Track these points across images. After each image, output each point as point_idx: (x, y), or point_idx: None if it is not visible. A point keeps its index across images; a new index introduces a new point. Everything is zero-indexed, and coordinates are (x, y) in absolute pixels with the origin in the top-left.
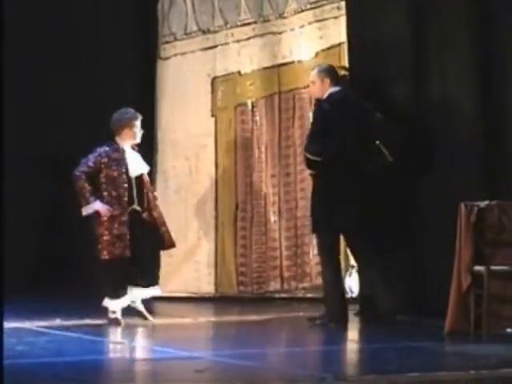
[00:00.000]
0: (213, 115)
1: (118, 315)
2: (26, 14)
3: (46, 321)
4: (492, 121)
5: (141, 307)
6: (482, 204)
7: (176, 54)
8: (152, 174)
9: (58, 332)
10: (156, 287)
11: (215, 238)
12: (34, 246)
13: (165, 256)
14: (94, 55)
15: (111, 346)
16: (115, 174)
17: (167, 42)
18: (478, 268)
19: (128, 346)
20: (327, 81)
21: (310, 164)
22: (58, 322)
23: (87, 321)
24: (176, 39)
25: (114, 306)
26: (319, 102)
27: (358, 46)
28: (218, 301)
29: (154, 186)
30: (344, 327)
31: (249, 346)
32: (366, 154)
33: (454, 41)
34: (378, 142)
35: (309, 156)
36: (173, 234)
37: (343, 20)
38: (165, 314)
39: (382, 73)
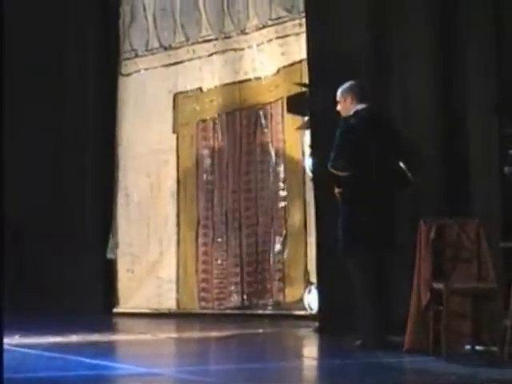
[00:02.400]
0: (174, 131)
1: None
2: None
3: (6, 337)
4: (453, 136)
5: None
6: (442, 221)
7: (137, 71)
8: (113, 189)
9: (17, 348)
10: None
11: (177, 253)
12: None
13: (126, 272)
14: (55, 71)
15: (70, 363)
16: None
17: (128, 59)
18: (437, 285)
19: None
20: (350, 99)
21: (335, 180)
22: (17, 338)
23: (46, 337)
24: (137, 55)
25: None
26: (344, 118)
27: (318, 62)
28: (180, 317)
29: (115, 201)
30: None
31: (209, 363)
32: (390, 173)
33: (415, 55)
34: (401, 163)
35: (333, 172)
36: (134, 250)
37: (305, 37)
38: (125, 330)
39: None
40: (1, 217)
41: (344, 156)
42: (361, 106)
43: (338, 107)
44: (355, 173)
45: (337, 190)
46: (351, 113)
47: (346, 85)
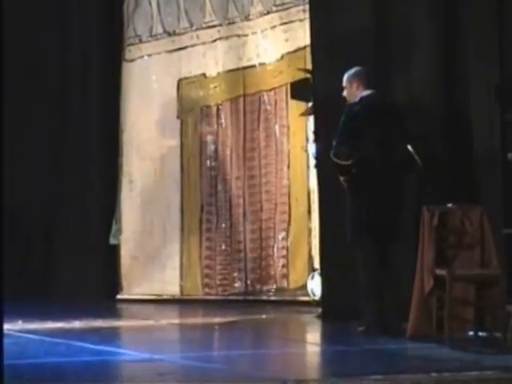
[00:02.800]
0: (178, 117)
1: None
2: None
3: (8, 323)
4: (456, 123)
5: None
6: (445, 207)
7: (141, 56)
8: (117, 175)
9: (20, 334)
10: None
11: (180, 240)
12: None
13: (130, 258)
14: (59, 57)
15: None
16: None
17: (132, 44)
18: (440, 271)
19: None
20: (356, 85)
21: (339, 169)
22: (20, 323)
23: (49, 323)
24: (141, 41)
25: None
26: (349, 105)
27: (322, 48)
28: (183, 303)
29: (119, 187)
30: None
31: (212, 349)
32: (397, 159)
33: (418, 42)
34: (409, 147)
35: (336, 161)
36: (138, 236)
37: (308, 23)
38: (128, 316)
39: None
40: (1, 214)
41: (346, 143)
42: (366, 93)
43: (344, 93)
44: (358, 161)
45: (341, 178)
46: (356, 99)
47: (352, 70)
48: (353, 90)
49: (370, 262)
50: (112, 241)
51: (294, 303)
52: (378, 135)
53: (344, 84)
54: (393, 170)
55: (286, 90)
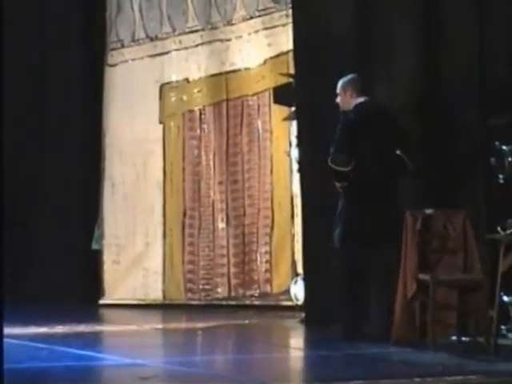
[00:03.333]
0: (161, 122)
1: None
2: None
3: None
4: (439, 126)
5: None
6: (427, 212)
7: (124, 61)
8: (99, 180)
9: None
10: None
11: (163, 244)
12: None
13: (112, 263)
14: (42, 63)
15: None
16: None
17: (115, 49)
18: (423, 276)
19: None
20: (350, 92)
21: (336, 176)
22: None
23: (32, 328)
24: (124, 46)
25: None
26: (344, 113)
27: (305, 53)
28: (166, 308)
29: (101, 192)
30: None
31: (195, 354)
32: (391, 165)
33: (400, 46)
34: (399, 151)
35: (334, 167)
36: (120, 241)
37: (291, 28)
38: (111, 321)
39: (329, 79)
40: (1, 215)
41: (344, 151)
42: (360, 100)
43: (338, 99)
44: (356, 167)
45: (338, 185)
46: (351, 107)
47: (346, 78)
48: (347, 97)
49: (347, 274)
50: (94, 246)
51: (277, 308)
52: (373, 141)
53: (338, 91)
54: (388, 175)
55: (269, 94)
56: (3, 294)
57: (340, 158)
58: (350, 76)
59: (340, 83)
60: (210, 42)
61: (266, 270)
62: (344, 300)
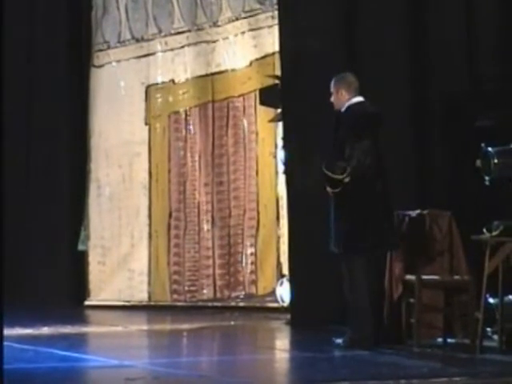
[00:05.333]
0: (147, 123)
1: None
2: None
3: None
4: (425, 129)
5: None
6: (414, 213)
7: (110, 62)
8: (85, 181)
9: None
10: None
11: (148, 246)
12: None
13: (98, 264)
14: (27, 62)
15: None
16: None
17: (101, 50)
18: (409, 277)
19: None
20: (341, 91)
21: (330, 183)
22: None
23: (17, 329)
24: (109, 47)
25: None
26: (337, 113)
27: (291, 54)
28: (151, 309)
29: (86, 193)
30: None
31: (181, 355)
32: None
33: (388, 48)
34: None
35: (330, 175)
36: (106, 242)
37: (277, 29)
38: (97, 323)
39: (315, 81)
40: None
41: (337, 156)
42: (353, 101)
43: (332, 99)
44: (350, 172)
45: (330, 190)
46: (343, 109)
47: (339, 76)
48: (339, 96)
49: (362, 277)
50: (80, 247)
51: (262, 309)
52: (366, 145)
53: (331, 90)
54: (382, 178)
55: (255, 96)
56: (3, 294)
57: (337, 166)
58: (343, 74)
59: (333, 81)
60: (195, 44)
61: (252, 272)
62: (358, 313)
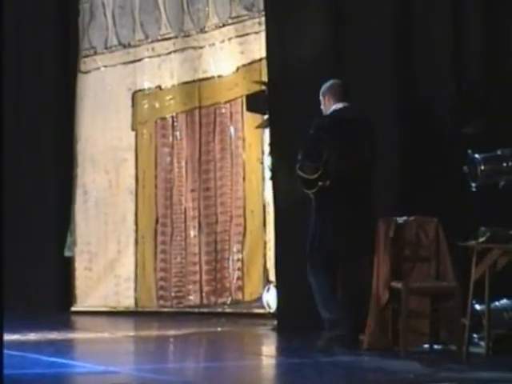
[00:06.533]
0: (133, 129)
1: None
2: None
3: None
4: (412, 135)
5: None
6: (400, 220)
7: (96, 68)
8: (71, 187)
9: None
10: None
11: (135, 251)
12: None
13: (84, 270)
14: (14, 68)
15: (27, 361)
16: None
17: (87, 56)
18: (395, 284)
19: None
20: (328, 97)
21: (305, 184)
22: None
23: (4, 335)
24: (96, 53)
25: None
26: (318, 117)
27: (278, 60)
28: (138, 315)
29: (73, 199)
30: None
31: (167, 361)
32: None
33: (375, 55)
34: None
35: (302, 175)
36: (92, 248)
37: (264, 35)
38: (83, 329)
39: (302, 87)
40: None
41: (312, 157)
42: (338, 106)
43: (321, 106)
44: (324, 174)
45: (308, 192)
46: (328, 113)
47: (327, 83)
48: (325, 102)
49: (325, 286)
50: (66, 253)
51: (249, 316)
52: (345, 148)
53: (320, 97)
54: (360, 182)
55: (242, 102)
56: (3, 295)
57: (307, 166)
58: (330, 81)
59: (322, 89)
60: (182, 50)
61: (238, 278)
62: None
